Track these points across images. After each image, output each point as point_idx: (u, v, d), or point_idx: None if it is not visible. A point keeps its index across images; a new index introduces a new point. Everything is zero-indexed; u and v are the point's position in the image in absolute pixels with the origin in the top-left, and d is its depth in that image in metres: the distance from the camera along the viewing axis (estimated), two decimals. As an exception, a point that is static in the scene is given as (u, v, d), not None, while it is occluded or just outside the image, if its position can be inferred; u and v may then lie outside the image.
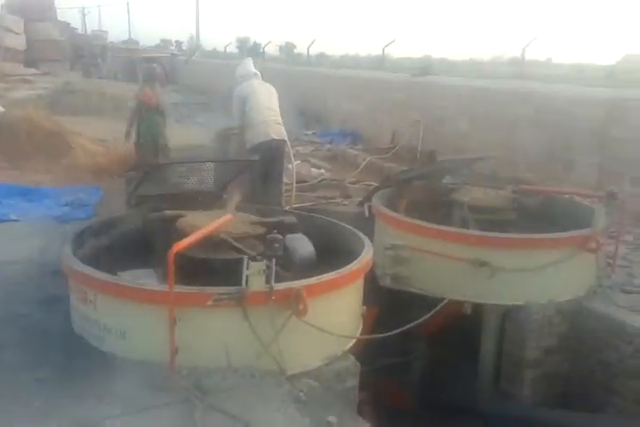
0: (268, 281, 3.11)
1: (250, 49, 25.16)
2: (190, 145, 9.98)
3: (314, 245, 3.93)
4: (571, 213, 5.25)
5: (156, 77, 7.96)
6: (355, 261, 3.65)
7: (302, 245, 3.85)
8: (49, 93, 15.27)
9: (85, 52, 23.03)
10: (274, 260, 3.22)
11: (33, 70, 21.96)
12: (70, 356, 3.25)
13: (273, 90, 6.69)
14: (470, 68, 19.36)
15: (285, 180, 7.02)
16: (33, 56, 23.43)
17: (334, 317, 3.52)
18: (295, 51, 27.27)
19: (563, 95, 8.22)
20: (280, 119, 6.48)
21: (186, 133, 11.88)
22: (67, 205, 6.50)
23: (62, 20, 29.05)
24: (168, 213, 3.92)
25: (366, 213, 5.55)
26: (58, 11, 27.94)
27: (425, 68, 11.90)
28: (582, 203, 5.55)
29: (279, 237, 3.36)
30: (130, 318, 3.24)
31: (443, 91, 10.34)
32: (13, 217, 6.03)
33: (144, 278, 3.44)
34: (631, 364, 4.36)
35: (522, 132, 8.57)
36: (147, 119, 7.64)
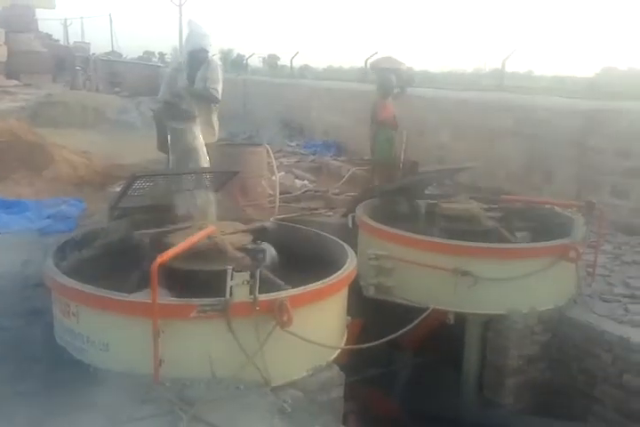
0: (252, 292, 3.12)
1: (233, 61, 25.19)
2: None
3: (298, 256, 3.94)
4: (551, 223, 5.34)
5: (391, 90, 7.45)
6: (339, 272, 3.68)
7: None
8: (31, 105, 15.20)
9: (80, 64, 22.95)
10: (258, 270, 3.23)
11: (14, 82, 21.85)
12: (53, 368, 3.24)
13: None
14: (451, 81, 19.56)
15: (269, 191, 7.04)
16: (14, 67, 23.31)
17: (319, 327, 3.53)
18: (279, 63, 27.36)
19: (542, 106, 8.34)
20: None
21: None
22: (49, 217, 6.44)
23: (44, 31, 29.01)
24: (151, 231, 3.89)
25: (350, 224, 5.58)
26: (39, 22, 27.88)
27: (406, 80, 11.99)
28: (562, 213, 5.63)
29: (263, 247, 3.38)
30: (113, 330, 3.23)
31: (423, 103, 10.44)
32: (-6, 230, 5.97)
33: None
34: (611, 372, 4.42)
35: (502, 143, 8.68)
36: (382, 135, 7.26)
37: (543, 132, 8.04)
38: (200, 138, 4.88)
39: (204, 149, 4.88)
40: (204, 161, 4.85)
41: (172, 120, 5.00)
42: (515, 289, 4.58)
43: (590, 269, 5.24)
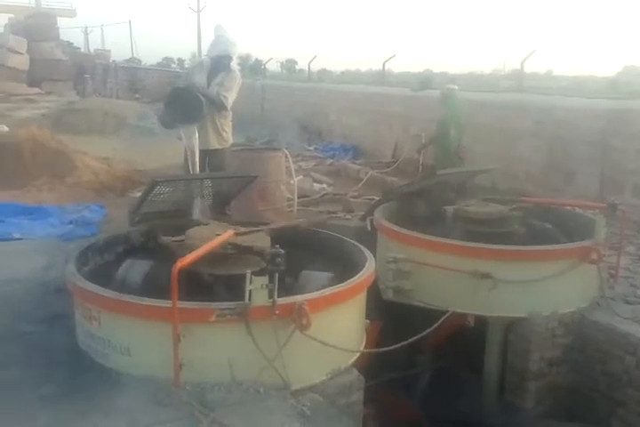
0: (270, 296, 3.13)
1: (251, 66, 25.35)
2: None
3: (317, 259, 3.93)
4: (572, 225, 5.28)
5: None
6: (357, 275, 3.67)
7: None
8: (52, 113, 15.43)
9: (91, 72, 23.32)
10: (276, 274, 3.24)
11: (36, 90, 22.22)
12: (75, 373, 3.27)
13: None
14: (470, 82, 19.50)
15: (288, 195, 7.06)
16: (36, 76, 23.73)
17: (338, 331, 3.53)
18: (296, 67, 27.50)
19: (562, 107, 8.27)
20: None
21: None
22: (71, 223, 6.53)
23: (65, 39, 29.47)
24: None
25: (369, 227, 5.57)
26: (60, 30, 28.34)
27: (424, 82, 11.99)
28: (584, 214, 5.57)
29: (281, 251, 3.38)
30: (134, 335, 3.26)
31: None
32: (17, 236, 6.06)
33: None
34: (636, 375, 4.36)
35: (522, 145, 8.63)
36: None
37: (563, 132, 7.97)
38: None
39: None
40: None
41: (179, 120, 5.14)
42: (536, 292, 4.54)
43: (613, 271, 5.17)
